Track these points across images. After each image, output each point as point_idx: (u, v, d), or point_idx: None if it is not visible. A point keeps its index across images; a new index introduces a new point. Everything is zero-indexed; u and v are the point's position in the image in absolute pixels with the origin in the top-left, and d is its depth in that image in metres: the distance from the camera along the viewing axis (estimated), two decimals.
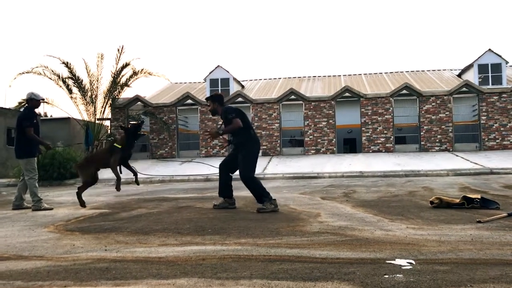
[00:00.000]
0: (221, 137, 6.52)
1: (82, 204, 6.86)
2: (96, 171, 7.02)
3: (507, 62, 22.04)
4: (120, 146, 6.79)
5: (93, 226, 5.07)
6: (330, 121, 21.01)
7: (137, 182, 7.13)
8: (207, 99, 6.69)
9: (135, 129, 6.94)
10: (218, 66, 24.00)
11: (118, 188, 6.80)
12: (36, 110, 7.79)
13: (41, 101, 7.71)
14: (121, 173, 6.78)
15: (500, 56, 21.78)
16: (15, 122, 7.73)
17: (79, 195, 6.86)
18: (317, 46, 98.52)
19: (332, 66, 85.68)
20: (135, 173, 7.02)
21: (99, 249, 3.71)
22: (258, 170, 16.02)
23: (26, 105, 7.65)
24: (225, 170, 6.39)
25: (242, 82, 26.58)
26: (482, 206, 5.64)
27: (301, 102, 21.44)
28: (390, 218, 5.08)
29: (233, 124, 5.98)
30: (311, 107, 21.22)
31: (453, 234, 4.01)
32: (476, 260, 3.03)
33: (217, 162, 18.58)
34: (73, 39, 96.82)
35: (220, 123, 21.57)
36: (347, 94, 21.22)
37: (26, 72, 19.48)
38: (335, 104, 21.17)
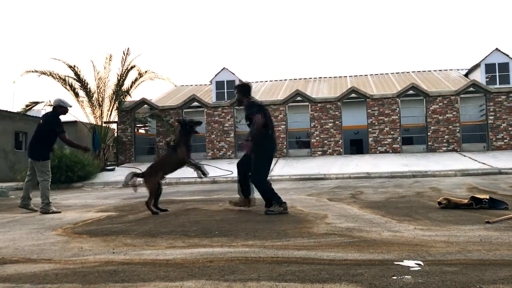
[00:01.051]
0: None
1: (155, 213, 6.34)
2: (161, 179, 6.74)
3: None
4: (177, 141, 6.63)
5: (101, 229, 5.09)
6: (337, 122, 20.97)
7: (203, 173, 6.62)
8: (235, 87, 6.49)
9: (191, 126, 6.65)
10: (224, 68, 24.05)
11: (203, 175, 6.56)
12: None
13: (68, 108, 7.78)
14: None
15: (507, 56, 21.65)
16: (23, 126, 7.79)
17: (148, 206, 6.43)
18: (323, 47, 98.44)
19: (338, 67, 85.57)
20: (198, 167, 6.61)
21: (107, 252, 3.72)
22: None
23: (52, 111, 7.67)
24: (242, 170, 6.29)
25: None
26: (491, 206, 5.60)
27: (307, 103, 21.42)
28: (398, 219, 5.05)
29: (255, 123, 5.69)
30: (317, 108, 21.19)
31: (461, 235, 3.99)
32: (485, 261, 3.00)
33: (223, 164, 18.66)
34: (78, 41, 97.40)
35: (229, 124, 21.55)
36: (353, 95, 21.18)
37: (33, 71, 19.59)
38: (342, 105, 21.13)
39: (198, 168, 6.56)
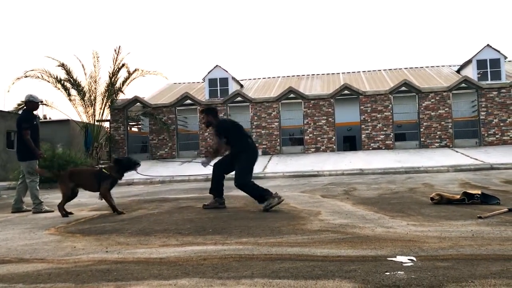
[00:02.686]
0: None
1: (65, 215, 6.25)
2: (76, 188, 6.54)
3: (505, 57, 22.04)
4: (108, 173, 6.35)
5: (94, 228, 5.07)
6: (330, 119, 21.01)
7: (115, 210, 6.37)
8: (201, 111, 6.94)
9: (129, 165, 6.51)
10: (217, 65, 23.99)
11: (116, 211, 6.30)
12: (35, 112, 7.77)
13: (39, 103, 7.69)
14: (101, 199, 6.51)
15: (498, 52, 21.78)
16: (15, 125, 7.70)
17: (60, 208, 6.31)
18: (316, 44, 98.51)
19: (330, 64, 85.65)
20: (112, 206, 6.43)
21: (100, 251, 3.71)
22: (258, 170, 16.05)
23: (25, 107, 7.63)
24: (219, 170, 6.50)
25: (241, 82, 26.58)
26: (483, 201, 5.64)
27: (300, 100, 21.44)
28: (391, 215, 5.08)
29: (215, 144, 6.34)
30: (311, 105, 21.22)
31: (454, 230, 4.01)
32: (477, 256, 3.03)
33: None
34: (71, 39, 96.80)
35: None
36: (346, 91, 21.22)
37: (24, 77, 19.52)
38: (334, 102, 21.18)
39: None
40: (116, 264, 3.21)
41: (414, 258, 2.98)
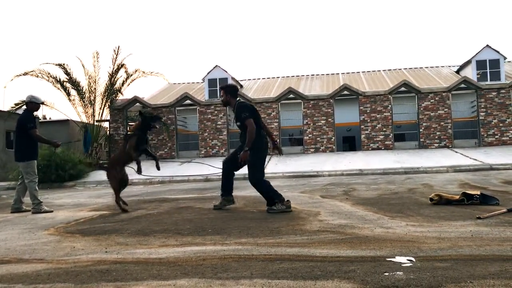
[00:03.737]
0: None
1: (124, 210, 6.47)
2: (122, 171, 6.75)
3: (505, 58, 22.04)
4: (132, 132, 6.69)
5: (94, 228, 5.07)
6: (329, 119, 21.01)
7: (157, 167, 6.77)
8: (220, 88, 6.37)
9: (151, 119, 6.77)
10: (216, 66, 23.99)
11: (139, 172, 6.63)
12: (35, 113, 7.78)
13: (41, 104, 7.69)
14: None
15: (498, 52, 21.78)
16: (14, 125, 7.71)
17: (117, 202, 6.59)
18: (315, 44, 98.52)
19: (330, 65, 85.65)
20: (154, 158, 6.81)
21: (100, 251, 3.72)
22: None
23: (25, 107, 7.62)
24: (229, 168, 6.21)
25: (240, 82, 26.58)
26: (482, 202, 5.64)
27: (300, 101, 21.44)
28: (390, 216, 5.08)
29: (248, 128, 5.69)
30: (310, 105, 21.22)
31: (453, 230, 4.02)
32: (476, 256, 3.03)
33: (216, 162, 18.60)
34: (70, 39, 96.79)
35: (222, 122, 21.52)
36: (345, 92, 21.22)
37: (23, 74, 19.46)
38: (334, 102, 21.18)
39: (138, 163, 6.65)
40: (116, 264, 3.22)
41: (413, 259, 2.99)
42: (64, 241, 4.32)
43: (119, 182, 6.70)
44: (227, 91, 6.14)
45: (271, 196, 5.80)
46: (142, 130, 6.69)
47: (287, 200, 5.83)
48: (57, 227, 5.36)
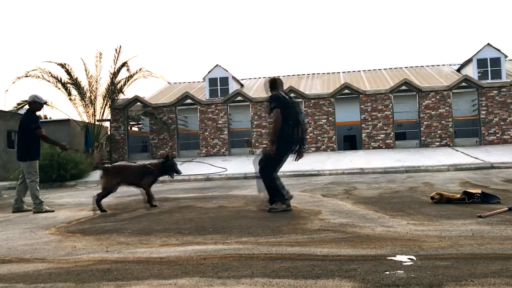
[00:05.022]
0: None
1: (102, 210, 6.52)
2: (118, 184, 6.82)
3: (506, 56, 22.02)
4: (152, 170, 6.84)
5: (95, 228, 5.08)
6: (330, 118, 21.01)
7: (150, 203, 6.86)
8: (265, 84, 6.23)
9: (172, 165, 7.00)
10: (217, 65, 24.00)
11: (151, 204, 6.81)
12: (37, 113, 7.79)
13: (44, 104, 7.70)
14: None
15: (499, 51, 21.76)
16: (15, 125, 7.72)
17: (97, 202, 6.57)
18: (316, 43, 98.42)
19: (331, 63, 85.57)
20: (150, 196, 6.94)
21: (101, 251, 3.72)
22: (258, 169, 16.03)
23: (28, 107, 7.62)
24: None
25: (241, 81, 26.59)
26: (483, 200, 5.64)
27: (300, 99, 21.43)
28: (391, 215, 5.08)
29: (274, 118, 5.56)
30: (311, 104, 21.21)
31: (454, 229, 4.01)
32: (477, 255, 3.03)
33: (217, 161, 18.65)
34: (71, 39, 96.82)
35: (223, 121, 21.48)
36: (346, 91, 21.21)
37: (25, 76, 19.49)
38: (335, 101, 21.17)
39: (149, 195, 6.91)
40: (117, 263, 3.22)
41: (414, 257, 2.98)
42: (65, 241, 4.32)
43: (109, 191, 6.76)
44: (267, 86, 6.02)
45: (272, 195, 5.77)
46: (160, 172, 6.96)
47: (287, 199, 5.77)
48: (58, 226, 5.36)
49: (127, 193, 9.20)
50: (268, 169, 5.78)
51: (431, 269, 2.67)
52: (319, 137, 21.03)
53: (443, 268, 2.69)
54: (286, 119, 5.59)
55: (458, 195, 5.87)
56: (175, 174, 7.05)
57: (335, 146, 20.93)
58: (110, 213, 6.48)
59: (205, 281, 2.65)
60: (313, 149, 20.88)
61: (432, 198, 6.00)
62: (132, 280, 2.76)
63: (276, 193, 5.76)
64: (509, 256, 2.94)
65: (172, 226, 4.86)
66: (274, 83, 5.98)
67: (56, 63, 20.01)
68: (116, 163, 7.55)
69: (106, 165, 6.98)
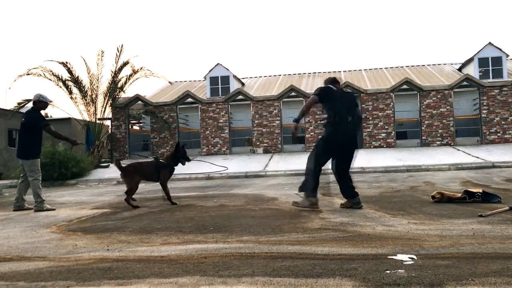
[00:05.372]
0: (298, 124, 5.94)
1: (135, 207, 6.68)
2: (139, 181, 6.99)
3: (507, 56, 21.96)
4: (165, 162, 6.92)
5: (96, 226, 5.09)
6: None
7: (170, 200, 6.92)
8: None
9: (184, 152, 7.08)
10: (218, 64, 23.98)
11: (171, 202, 6.84)
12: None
13: (49, 103, 7.71)
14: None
15: (500, 50, 21.71)
16: (16, 123, 7.73)
17: (128, 202, 6.74)
18: (317, 42, 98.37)
19: (332, 62, 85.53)
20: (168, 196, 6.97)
21: (102, 249, 3.72)
22: (260, 168, 16.08)
23: (32, 106, 7.63)
24: (335, 169, 5.93)
25: (242, 80, 26.57)
26: (484, 200, 5.63)
27: (301, 98, 21.40)
28: (392, 214, 5.08)
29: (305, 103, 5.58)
30: None
31: (454, 228, 4.01)
32: (477, 254, 3.03)
33: (218, 160, 18.65)
34: (72, 37, 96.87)
35: (224, 120, 21.44)
36: (347, 90, 21.18)
37: (27, 74, 19.49)
38: None
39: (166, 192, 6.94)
40: (117, 262, 3.23)
41: (414, 257, 2.99)
42: (66, 239, 4.33)
43: (136, 184, 6.90)
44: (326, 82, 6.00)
45: (304, 188, 5.77)
46: (174, 161, 7.00)
47: (316, 198, 5.71)
48: (59, 225, 5.37)
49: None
50: (309, 163, 5.79)
51: (432, 268, 2.67)
52: (319, 136, 21.00)
53: (444, 267, 2.69)
54: (334, 112, 5.57)
55: (459, 194, 5.87)
56: (186, 161, 7.13)
57: None
58: (110, 211, 6.49)
59: (206, 279, 2.66)
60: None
61: (433, 197, 6.00)
62: (133, 278, 2.77)
63: (307, 188, 5.72)
64: (510, 256, 2.94)
65: (173, 225, 4.86)
66: (329, 81, 6.00)
67: (57, 61, 19.99)
68: (132, 162, 7.67)
69: (123, 165, 7.04)
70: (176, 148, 7.05)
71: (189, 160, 7.17)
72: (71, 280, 2.80)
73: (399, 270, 2.67)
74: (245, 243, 3.68)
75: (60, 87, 20.24)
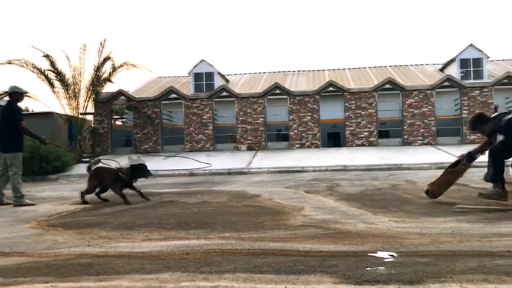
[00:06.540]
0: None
1: (85, 203, 6.90)
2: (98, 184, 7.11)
3: (488, 57, 22.33)
4: (124, 177, 6.89)
5: (76, 222, 5.03)
6: (315, 115, 21.08)
7: (143, 197, 6.92)
8: (470, 122, 6.04)
9: (143, 169, 7.06)
10: (203, 60, 23.87)
11: (127, 203, 6.74)
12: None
13: (24, 94, 7.58)
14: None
15: (481, 51, 22.05)
16: None
17: (82, 197, 7.01)
18: (302, 40, 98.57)
19: (316, 61, 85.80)
20: (139, 192, 6.95)
21: (82, 245, 3.69)
22: (242, 165, 16.09)
23: (9, 99, 7.50)
24: (497, 157, 5.79)
25: (226, 76, 26.51)
26: (468, 160, 5.83)
27: (285, 96, 21.46)
28: (373, 211, 5.13)
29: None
30: (296, 101, 21.26)
31: (434, 226, 4.07)
32: (456, 252, 3.08)
33: (202, 156, 18.60)
34: (54, 31, 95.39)
35: (208, 116, 21.40)
36: (331, 88, 21.29)
37: (8, 63, 19.12)
38: (320, 98, 21.24)
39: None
40: (98, 258, 3.20)
41: (394, 254, 3.02)
42: (45, 234, 4.27)
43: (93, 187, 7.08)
44: (478, 123, 5.84)
45: (494, 176, 5.67)
46: (130, 178, 6.94)
47: (502, 191, 5.53)
48: (39, 220, 5.30)
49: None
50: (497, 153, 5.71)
51: (411, 266, 2.71)
52: (303, 134, 21.10)
53: (423, 265, 2.73)
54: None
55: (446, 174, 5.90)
56: (147, 176, 7.15)
57: (319, 143, 21.02)
58: (92, 207, 6.43)
59: (187, 276, 2.65)
60: (297, 145, 20.94)
61: (427, 192, 5.97)
62: (113, 274, 2.75)
63: (495, 178, 5.67)
64: (487, 253, 3.00)
65: (155, 221, 4.84)
66: (485, 119, 5.85)
67: (41, 50, 19.66)
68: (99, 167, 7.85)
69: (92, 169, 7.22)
70: (132, 169, 6.98)
71: (150, 175, 7.20)
72: (50, 276, 2.77)
73: (379, 267, 2.70)
74: (227, 240, 3.68)
75: (42, 80, 19.95)
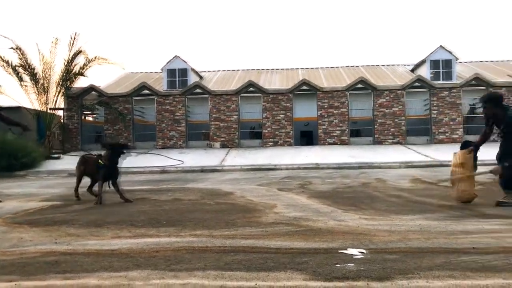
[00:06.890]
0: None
1: (78, 196, 6.98)
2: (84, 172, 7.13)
3: (457, 59, 22.85)
4: (103, 163, 6.70)
5: (43, 219, 4.92)
6: (288, 113, 21.18)
7: (124, 199, 6.62)
8: (481, 100, 5.83)
9: (121, 148, 6.86)
10: (176, 56, 23.65)
11: (98, 203, 6.47)
12: None
13: None
14: (109, 187, 6.67)
15: (450, 53, 22.55)
16: None
17: (75, 191, 7.08)
18: (276, 39, 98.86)
19: (290, 59, 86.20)
20: (120, 193, 6.68)
21: (49, 242, 3.61)
22: (216, 162, 16.04)
23: None
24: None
25: (200, 73, 26.34)
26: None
27: (259, 94, 21.48)
28: (344, 209, 5.19)
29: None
30: (270, 99, 21.31)
31: (403, 224, 4.15)
32: (423, 249, 3.14)
33: (174, 153, 18.44)
34: (23, 23, 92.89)
35: (181, 113, 21.19)
36: (304, 87, 21.43)
37: None
38: (293, 97, 21.35)
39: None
40: (65, 255, 3.13)
41: (364, 251, 3.06)
42: (11, 232, 4.16)
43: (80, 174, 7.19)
44: (493, 102, 5.59)
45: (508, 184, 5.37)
46: (111, 161, 6.69)
47: None
48: (4, 217, 5.15)
49: (80, 184, 8.95)
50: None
51: (380, 262, 2.75)
52: (276, 132, 21.17)
53: (392, 261, 2.77)
54: None
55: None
56: (126, 150, 6.99)
57: (292, 141, 21.13)
58: (60, 204, 6.30)
59: (157, 273, 2.62)
60: (270, 143, 21.00)
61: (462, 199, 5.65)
62: (81, 272, 2.69)
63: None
64: (453, 250, 3.07)
65: (125, 218, 4.77)
66: (500, 99, 5.69)
67: (10, 40, 19.05)
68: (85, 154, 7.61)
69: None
70: (112, 149, 6.81)
71: (132, 147, 7.11)
72: (15, 274, 2.69)
73: (348, 264, 2.73)
74: (198, 237, 3.67)
75: (10, 73, 19.40)
